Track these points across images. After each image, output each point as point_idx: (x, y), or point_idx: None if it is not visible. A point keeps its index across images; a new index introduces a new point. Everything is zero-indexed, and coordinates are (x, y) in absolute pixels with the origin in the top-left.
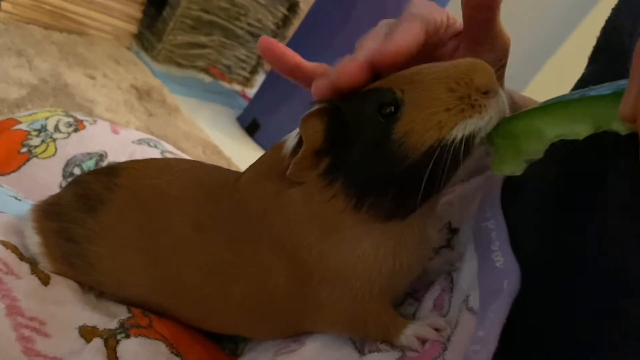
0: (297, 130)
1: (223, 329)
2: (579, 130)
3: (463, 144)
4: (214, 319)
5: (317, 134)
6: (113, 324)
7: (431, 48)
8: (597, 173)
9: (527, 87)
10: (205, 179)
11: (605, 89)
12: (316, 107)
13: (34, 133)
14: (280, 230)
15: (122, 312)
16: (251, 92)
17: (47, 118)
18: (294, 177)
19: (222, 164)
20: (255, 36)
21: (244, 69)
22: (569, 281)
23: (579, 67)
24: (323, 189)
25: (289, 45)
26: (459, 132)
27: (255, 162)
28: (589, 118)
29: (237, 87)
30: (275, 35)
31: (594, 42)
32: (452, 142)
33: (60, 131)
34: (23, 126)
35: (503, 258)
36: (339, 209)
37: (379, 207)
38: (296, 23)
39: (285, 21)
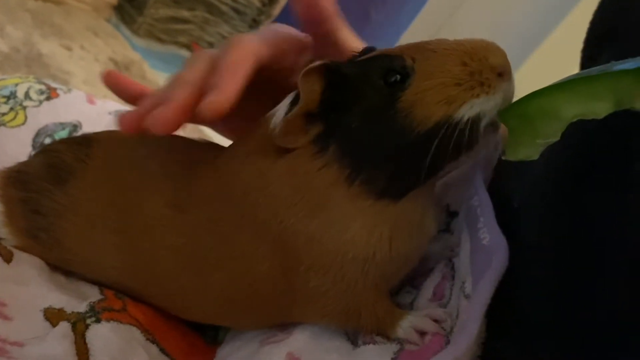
0: (285, 102)
1: (202, 319)
2: (599, 108)
3: (469, 126)
4: (193, 308)
5: (315, 92)
6: (82, 307)
7: (286, 73)
8: (618, 153)
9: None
10: (186, 154)
11: (630, 63)
12: (318, 63)
13: (2, 100)
14: (264, 210)
15: (94, 294)
16: None
17: (17, 84)
18: (282, 141)
19: None
20: (241, 13)
21: None
22: (584, 266)
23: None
24: (313, 157)
25: (275, 21)
26: (466, 111)
27: (238, 138)
28: (610, 94)
29: None
30: (260, 12)
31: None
32: (459, 121)
33: (31, 99)
34: None
35: (489, 235)
36: (329, 181)
37: (373, 182)
38: (282, 0)
39: None
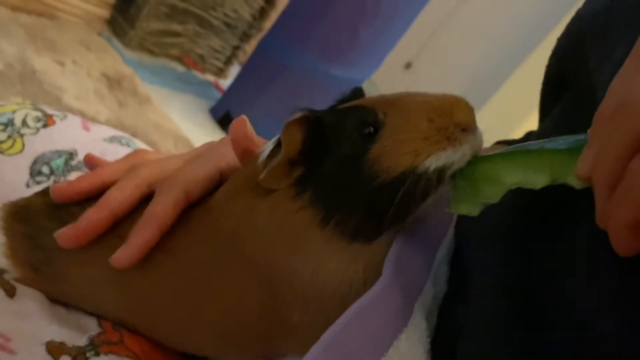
0: (272, 140)
1: (195, 351)
2: (536, 180)
3: (435, 175)
4: (186, 342)
5: (296, 142)
6: (82, 341)
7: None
8: (567, 212)
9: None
10: None
11: (562, 142)
12: (299, 114)
13: (0, 127)
14: (251, 247)
15: (92, 326)
16: (224, 83)
17: (14, 111)
18: (266, 183)
19: None
20: (231, 27)
21: (217, 59)
22: (534, 310)
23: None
24: (292, 200)
25: (266, 38)
26: (433, 162)
27: (227, 181)
28: (546, 169)
29: (210, 77)
30: (251, 26)
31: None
32: (425, 171)
33: (28, 126)
34: None
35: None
36: (305, 222)
37: (345, 225)
38: (273, 15)
39: (262, 13)
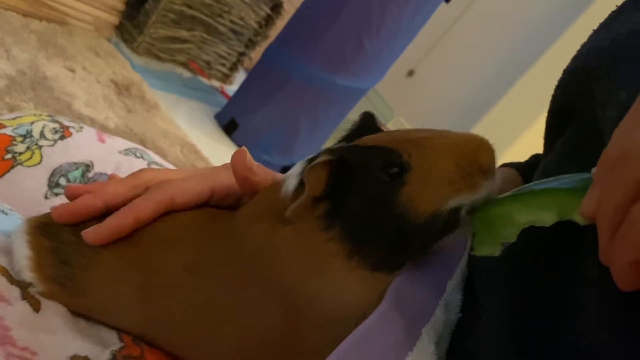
0: (297, 170)
1: None
2: (546, 218)
3: (452, 214)
4: (205, 358)
5: (321, 182)
6: (105, 355)
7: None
8: (570, 250)
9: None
10: (201, 219)
11: (567, 181)
12: (324, 158)
13: (19, 139)
14: (273, 270)
15: (114, 340)
16: (230, 89)
17: (32, 123)
18: (292, 218)
19: (200, 164)
20: (238, 34)
21: (223, 65)
22: (540, 344)
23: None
24: (320, 231)
25: (272, 46)
26: (453, 204)
27: (249, 203)
28: (554, 207)
29: (216, 83)
30: (257, 34)
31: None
32: (446, 211)
33: (46, 138)
34: (7, 131)
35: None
36: (332, 251)
37: (371, 258)
38: (279, 23)
39: (268, 21)
